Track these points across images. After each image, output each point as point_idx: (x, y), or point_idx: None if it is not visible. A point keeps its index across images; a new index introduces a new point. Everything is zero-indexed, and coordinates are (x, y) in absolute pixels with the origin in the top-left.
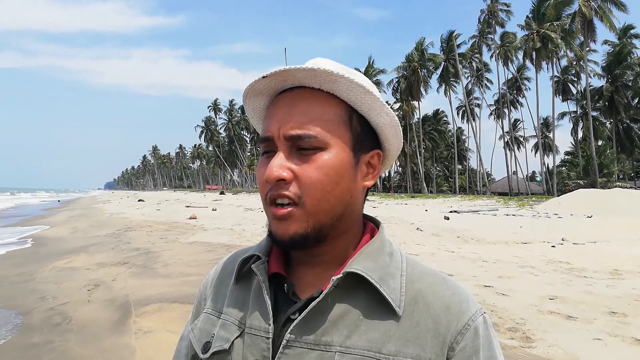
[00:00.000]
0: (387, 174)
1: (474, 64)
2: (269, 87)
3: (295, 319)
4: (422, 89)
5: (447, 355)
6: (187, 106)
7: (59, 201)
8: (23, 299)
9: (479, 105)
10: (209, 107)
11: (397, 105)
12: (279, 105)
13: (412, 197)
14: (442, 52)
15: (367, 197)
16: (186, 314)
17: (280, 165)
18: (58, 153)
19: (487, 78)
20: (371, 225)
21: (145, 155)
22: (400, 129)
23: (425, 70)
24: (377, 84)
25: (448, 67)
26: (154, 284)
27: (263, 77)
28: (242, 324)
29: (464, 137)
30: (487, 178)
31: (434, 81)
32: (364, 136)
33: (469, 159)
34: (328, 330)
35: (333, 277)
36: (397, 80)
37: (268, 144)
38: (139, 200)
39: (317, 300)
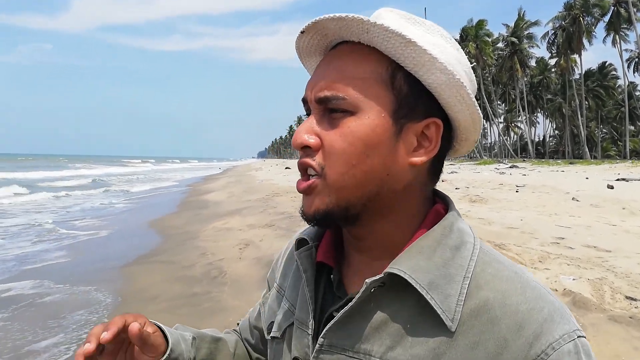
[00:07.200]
0: (539, 138)
1: None
2: (316, 44)
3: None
4: (584, 40)
5: None
6: None
7: (219, 168)
8: (188, 254)
9: None
10: None
11: (553, 61)
12: (319, 64)
13: (570, 163)
14: None
15: (516, 164)
16: None
17: (307, 129)
18: (217, 125)
19: None
20: (438, 208)
21: (291, 125)
22: (469, 93)
23: (589, 18)
24: (530, 37)
25: (619, 11)
26: None
27: (301, 32)
28: (294, 312)
29: (637, 93)
30: None
31: (599, 30)
32: (413, 100)
33: None
34: (369, 337)
35: (367, 280)
36: (553, 32)
37: (306, 106)
38: (285, 168)
39: (350, 305)
